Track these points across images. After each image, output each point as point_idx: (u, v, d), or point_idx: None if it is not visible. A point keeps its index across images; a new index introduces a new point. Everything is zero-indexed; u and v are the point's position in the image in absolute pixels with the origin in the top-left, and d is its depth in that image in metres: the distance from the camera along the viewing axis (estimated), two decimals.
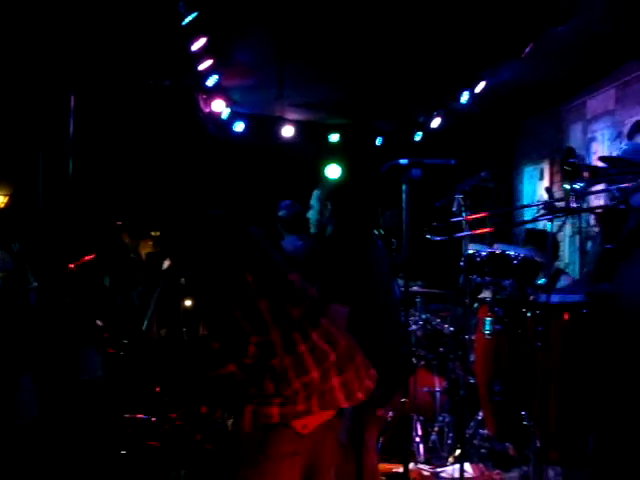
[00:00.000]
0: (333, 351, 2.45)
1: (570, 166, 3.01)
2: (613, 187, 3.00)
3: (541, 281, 4.74)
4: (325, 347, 2.43)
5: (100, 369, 4.80)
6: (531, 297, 4.58)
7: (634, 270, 3.04)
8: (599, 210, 3.20)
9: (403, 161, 3.43)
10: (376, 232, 4.05)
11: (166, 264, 4.56)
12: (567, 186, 2.94)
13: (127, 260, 5.56)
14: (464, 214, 4.39)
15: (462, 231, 4.45)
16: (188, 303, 5.54)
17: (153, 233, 5.81)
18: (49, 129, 3.00)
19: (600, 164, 3.26)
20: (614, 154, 4.14)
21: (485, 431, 4.96)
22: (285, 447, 2.38)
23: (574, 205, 3.04)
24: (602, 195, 4.58)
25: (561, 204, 3.78)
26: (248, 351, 2.33)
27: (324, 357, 2.42)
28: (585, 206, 5.53)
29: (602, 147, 6.96)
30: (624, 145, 4.12)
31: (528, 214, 8.46)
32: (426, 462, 5.16)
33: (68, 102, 3.08)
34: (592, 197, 5.78)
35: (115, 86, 6.63)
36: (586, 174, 2.99)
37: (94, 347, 4.77)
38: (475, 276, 4.69)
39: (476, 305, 4.98)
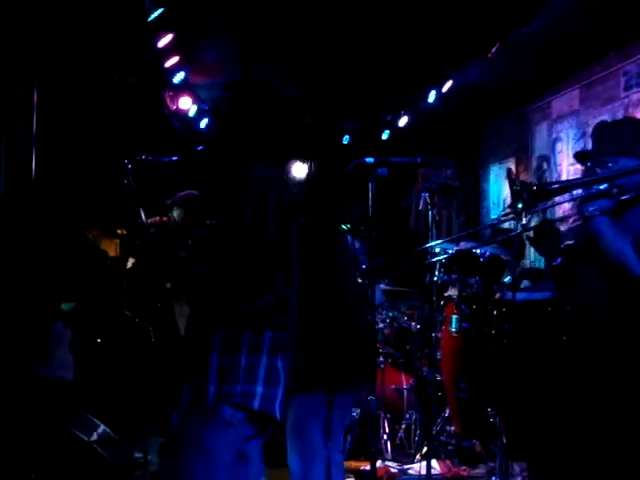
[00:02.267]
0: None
1: (517, 186, 3.02)
2: (569, 197, 3.03)
3: (507, 279, 4.78)
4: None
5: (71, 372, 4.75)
6: (497, 295, 4.62)
7: (581, 278, 3.08)
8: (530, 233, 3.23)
9: (369, 159, 3.42)
10: (343, 227, 4.04)
11: (130, 263, 4.54)
12: (520, 205, 2.96)
13: (94, 256, 5.53)
14: (430, 212, 4.40)
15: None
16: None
17: (120, 231, 5.78)
18: (11, 124, 2.95)
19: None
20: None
21: (452, 428, 4.99)
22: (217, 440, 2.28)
23: (525, 221, 3.06)
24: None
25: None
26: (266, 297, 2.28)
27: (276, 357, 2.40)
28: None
29: (567, 147, 7.04)
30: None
31: (494, 214, 8.55)
32: (393, 459, 5.17)
33: (31, 96, 3.02)
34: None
35: (80, 81, 6.55)
36: (534, 188, 2.98)
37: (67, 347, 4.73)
38: (442, 274, 4.72)
39: (442, 303, 5.01)
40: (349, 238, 3.71)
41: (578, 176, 3.46)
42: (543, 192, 2.93)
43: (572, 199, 3.06)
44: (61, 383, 4.69)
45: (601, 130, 3.16)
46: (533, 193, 2.87)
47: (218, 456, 2.27)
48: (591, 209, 2.88)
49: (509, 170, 8.06)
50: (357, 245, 3.77)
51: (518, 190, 2.86)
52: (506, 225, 5.49)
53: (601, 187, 2.88)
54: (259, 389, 2.28)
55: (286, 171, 2.66)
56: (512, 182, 2.95)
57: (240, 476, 2.35)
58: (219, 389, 2.26)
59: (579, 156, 3.34)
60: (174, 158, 2.67)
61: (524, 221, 3.04)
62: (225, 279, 2.31)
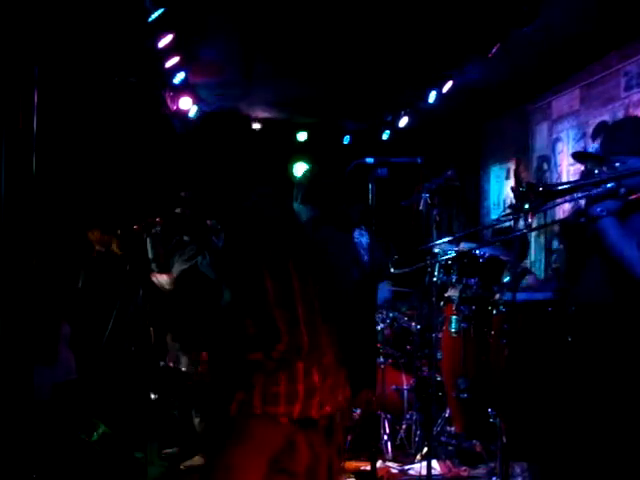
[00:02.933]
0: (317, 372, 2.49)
1: (524, 187, 2.99)
2: (576, 197, 2.99)
3: (506, 279, 4.78)
4: (314, 369, 2.48)
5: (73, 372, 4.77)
6: (497, 296, 4.62)
7: (587, 277, 3.07)
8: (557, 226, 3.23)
9: (369, 160, 3.43)
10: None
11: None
12: (527, 205, 2.94)
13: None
14: (431, 212, 4.40)
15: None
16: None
17: (119, 231, 5.78)
18: (11, 124, 2.95)
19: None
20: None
21: (452, 428, 4.98)
22: (261, 435, 2.42)
23: (530, 221, 3.04)
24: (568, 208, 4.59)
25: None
26: (277, 347, 2.37)
27: (311, 375, 2.47)
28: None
29: (567, 147, 7.04)
30: (593, 148, 4.18)
31: (494, 214, 8.56)
32: (394, 460, 5.17)
33: (32, 97, 3.03)
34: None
35: (80, 82, 6.56)
36: (540, 189, 2.96)
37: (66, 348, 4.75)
38: (441, 274, 4.72)
39: (442, 303, 5.01)
40: (356, 234, 3.72)
41: (578, 176, 3.45)
42: (549, 193, 2.92)
43: (572, 199, 3.04)
44: (65, 383, 4.70)
45: (608, 129, 3.14)
46: (539, 194, 2.86)
47: (262, 445, 2.43)
48: (598, 210, 2.87)
49: (516, 170, 8.06)
50: (364, 241, 3.76)
51: (525, 191, 2.86)
52: (506, 224, 5.50)
53: (607, 186, 2.87)
54: (298, 406, 2.43)
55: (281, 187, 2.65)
56: (518, 182, 2.92)
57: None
58: (263, 409, 2.40)
59: (578, 156, 3.33)
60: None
61: (529, 221, 3.02)
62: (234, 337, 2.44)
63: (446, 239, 4.60)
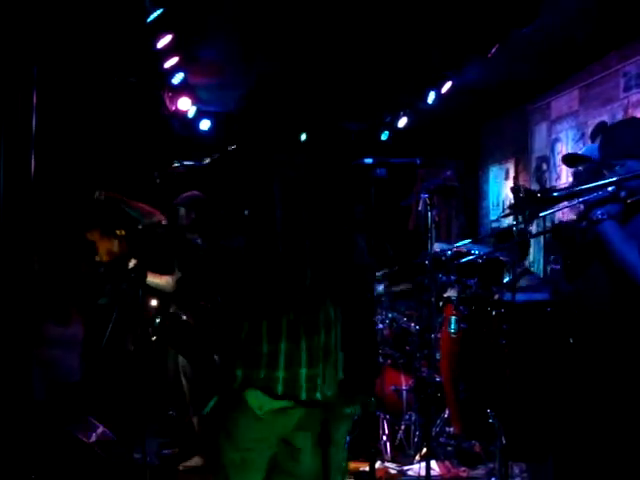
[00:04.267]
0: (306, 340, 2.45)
1: (523, 195, 2.98)
2: (576, 202, 2.98)
3: (507, 280, 4.79)
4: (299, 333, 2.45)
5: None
6: (496, 296, 4.62)
7: (588, 281, 3.07)
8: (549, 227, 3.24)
9: (368, 160, 3.43)
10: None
11: (132, 263, 4.54)
12: (527, 212, 2.94)
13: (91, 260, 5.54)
14: (430, 213, 4.41)
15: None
16: (154, 303, 5.50)
17: (119, 232, 5.78)
18: (10, 124, 2.95)
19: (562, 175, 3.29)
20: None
21: (451, 429, 4.99)
22: (248, 433, 2.41)
23: (532, 227, 3.05)
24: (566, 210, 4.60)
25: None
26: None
27: (297, 337, 2.44)
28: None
29: (566, 148, 7.04)
30: (584, 148, 4.19)
31: (493, 214, 8.56)
32: (393, 460, 5.17)
33: (31, 97, 3.03)
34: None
35: (80, 82, 6.56)
36: (539, 195, 2.95)
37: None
38: (440, 275, 4.72)
39: (442, 304, 5.01)
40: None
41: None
42: (548, 199, 2.92)
43: (572, 204, 3.03)
44: (64, 385, 4.70)
45: (606, 131, 3.13)
46: (537, 200, 2.86)
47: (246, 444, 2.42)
48: (599, 213, 2.86)
49: (515, 181, 8.07)
50: (361, 241, 3.75)
51: (523, 197, 2.86)
52: (506, 224, 5.50)
53: (609, 189, 2.87)
54: (281, 374, 2.40)
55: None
56: (516, 190, 2.91)
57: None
58: (245, 374, 2.40)
59: (568, 159, 3.33)
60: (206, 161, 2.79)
61: (530, 227, 3.03)
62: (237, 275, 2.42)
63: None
